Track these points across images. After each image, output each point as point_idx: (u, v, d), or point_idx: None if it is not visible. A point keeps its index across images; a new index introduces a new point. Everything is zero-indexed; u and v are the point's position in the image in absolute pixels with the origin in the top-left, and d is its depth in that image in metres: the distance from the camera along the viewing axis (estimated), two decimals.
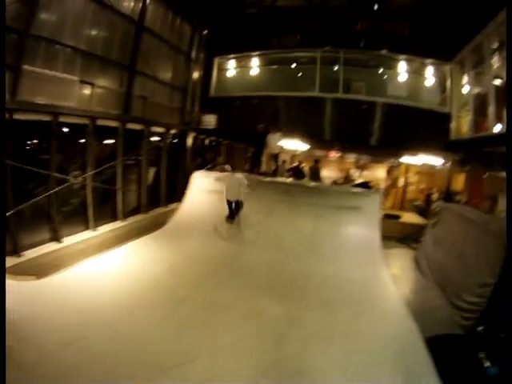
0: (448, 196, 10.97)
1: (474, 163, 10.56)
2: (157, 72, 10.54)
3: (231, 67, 13.96)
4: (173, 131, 11.91)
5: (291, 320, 5.09)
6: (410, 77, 12.26)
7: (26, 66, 6.28)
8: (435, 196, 13.80)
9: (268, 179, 10.01)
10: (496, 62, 9.28)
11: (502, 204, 9.59)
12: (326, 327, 4.97)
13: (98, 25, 8.15)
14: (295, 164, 13.29)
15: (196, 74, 12.97)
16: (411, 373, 4.12)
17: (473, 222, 6.78)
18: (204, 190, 9.77)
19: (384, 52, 11.93)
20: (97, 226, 8.35)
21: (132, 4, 9.14)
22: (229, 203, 8.81)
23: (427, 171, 15.50)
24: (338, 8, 11.58)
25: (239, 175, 9.04)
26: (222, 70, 13.93)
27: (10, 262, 5.81)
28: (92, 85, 8.08)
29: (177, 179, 12.05)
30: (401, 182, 16.27)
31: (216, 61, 13.78)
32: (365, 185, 10.81)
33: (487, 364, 4.12)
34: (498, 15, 7.91)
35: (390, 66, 12.36)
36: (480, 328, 4.90)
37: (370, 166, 18.77)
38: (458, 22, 9.80)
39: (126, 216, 9.47)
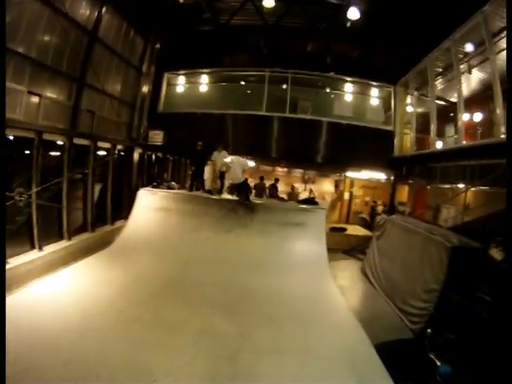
0: (392, 207, 11.58)
1: (417, 177, 11.29)
2: (106, 85, 10.14)
3: (181, 83, 13.97)
4: (119, 147, 11.49)
5: (243, 336, 5.03)
6: (356, 97, 13.14)
7: None
8: (380, 208, 14.54)
9: (214, 197, 10.06)
10: (439, 84, 10.16)
11: (445, 213, 10.36)
12: (277, 343, 4.94)
13: (49, 33, 7.69)
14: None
15: (145, 89, 12.74)
16: (366, 380, 4.16)
17: (415, 233, 7.16)
18: (150, 207, 9.67)
19: (331, 74, 12.65)
20: (43, 246, 7.80)
21: (87, 13, 8.79)
22: (234, 187, 10.04)
23: (371, 185, 16.37)
24: (290, 29, 11.97)
25: (240, 158, 10.00)
26: (172, 85, 13.88)
27: None
28: (40, 96, 7.57)
29: (123, 196, 11.63)
30: (346, 195, 16.94)
31: (166, 76, 13.66)
32: (311, 200, 10.99)
33: (439, 363, 4.23)
34: (443, 43, 8.69)
35: (337, 86, 13.17)
36: (429, 331, 5.06)
37: (317, 179, 19.46)
38: (403, 47, 10.62)
39: (72, 235, 8.94)
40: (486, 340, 4.22)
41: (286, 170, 18.80)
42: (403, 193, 14.37)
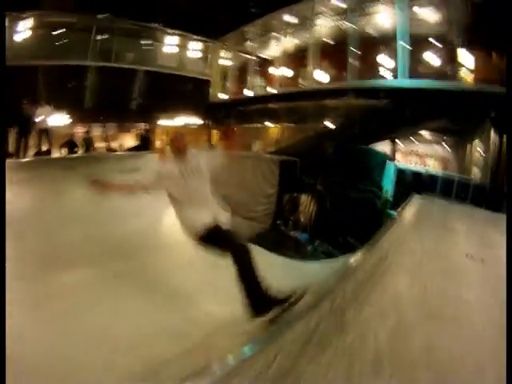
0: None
1: (230, 120, 13.47)
2: None
3: None
4: None
5: None
6: (178, 50, 13.95)
7: None
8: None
9: (48, 158, 9.01)
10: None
11: (254, 146, 12.95)
12: None
13: None
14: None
15: None
16: None
17: (247, 157, 9.21)
18: None
19: (156, 25, 12.90)
20: None
21: None
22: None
23: (182, 131, 17.61)
24: None
25: None
26: None
27: None
28: None
29: None
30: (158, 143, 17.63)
31: None
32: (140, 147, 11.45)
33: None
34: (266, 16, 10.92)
35: (161, 38, 13.56)
36: (278, 222, 7.36)
37: (118, 136, 19.04)
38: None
39: None
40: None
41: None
42: (213, 136, 16.56)
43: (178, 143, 3.19)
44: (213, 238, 2.91)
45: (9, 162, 8.29)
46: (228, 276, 2.79)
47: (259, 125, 13.27)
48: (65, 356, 2.71)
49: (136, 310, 3.53)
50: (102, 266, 4.86)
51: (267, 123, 12.98)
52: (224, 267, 2.87)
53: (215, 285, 3.80)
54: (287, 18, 11.16)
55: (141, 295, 3.90)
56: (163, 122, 15.72)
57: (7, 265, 3.06)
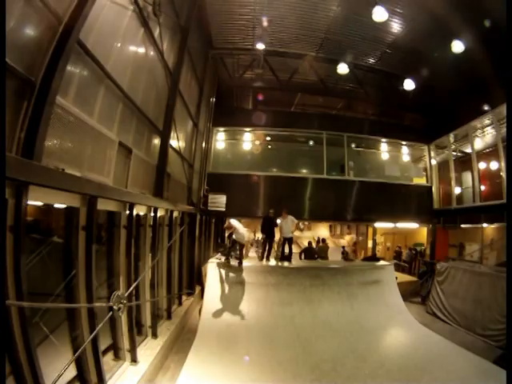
0: (433, 252, 13.40)
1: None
2: (177, 143, 8.94)
3: (227, 140, 14.24)
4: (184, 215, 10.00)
5: None
6: (393, 156, 15.05)
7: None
8: (404, 252, 16.26)
9: (301, 265, 10.89)
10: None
11: (468, 249, 12.59)
12: None
13: (139, 73, 6.31)
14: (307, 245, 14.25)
15: (202, 147, 12.22)
16: None
17: (483, 273, 9.05)
18: (224, 281, 9.39)
19: (376, 137, 14.57)
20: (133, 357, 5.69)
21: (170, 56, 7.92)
22: (283, 242, 10.69)
23: (391, 231, 18.04)
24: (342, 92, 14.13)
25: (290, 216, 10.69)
26: (217, 142, 14.01)
27: None
28: (130, 151, 5.96)
29: (189, 269, 10.54)
30: (369, 242, 18.30)
31: (214, 132, 13.65)
32: (374, 257, 12.58)
33: None
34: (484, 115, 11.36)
35: (377, 147, 14.96)
36: None
37: (312, 225, 20.92)
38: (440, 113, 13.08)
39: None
40: None
41: None
42: (420, 235, 16.36)
43: None
44: None
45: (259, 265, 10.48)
46: None
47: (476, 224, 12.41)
48: None
49: None
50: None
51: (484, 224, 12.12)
52: None
53: None
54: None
55: None
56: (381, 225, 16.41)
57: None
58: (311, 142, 14.20)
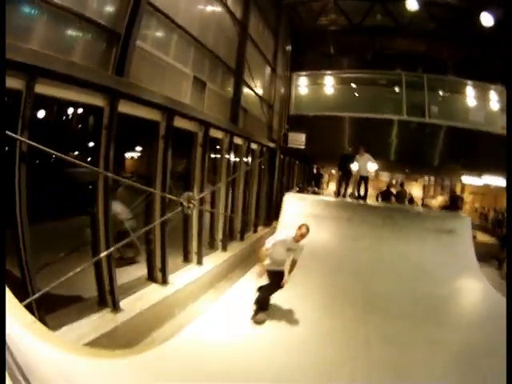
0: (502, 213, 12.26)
1: None
2: (253, 83, 10.12)
3: (306, 84, 14.75)
4: (263, 149, 11.74)
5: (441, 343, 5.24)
6: (486, 103, 13.56)
7: (138, 42, 4.86)
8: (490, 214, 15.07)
9: (375, 204, 10.98)
10: None
11: None
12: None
13: (208, 17, 7.29)
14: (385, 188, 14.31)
15: (282, 90, 13.30)
16: None
17: None
18: (299, 213, 9.32)
19: (453, 77, 13.35)
20: (199, 259, 7.01)
21: (238, 8, 8.63)
22: (359, 180, 10.80)
23: (480, 191, 16.66)
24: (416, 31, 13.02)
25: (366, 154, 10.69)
26: (298, 87, 14.70)
27: (108, 323, 4.21)
28: (204, 84, 7.09)
29: (266, 201, 12.00)
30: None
31: (294, 77, 14.47)
32: (453, 206, 12.12)
33: None
34: None
35: (458, 90, 13.74)
36: None
37: (405, 184, 20.14)
38: None
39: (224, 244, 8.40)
40: None
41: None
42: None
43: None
44: None
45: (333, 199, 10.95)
46: None
47: None
48: None
49: None
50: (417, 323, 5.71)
51: None
52: None
53: None
54: None
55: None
56: (468, 180, 15.56)
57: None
58: (393, 86, 13.74)
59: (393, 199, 12.89)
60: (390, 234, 9.24)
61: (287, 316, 5.60)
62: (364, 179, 11.09)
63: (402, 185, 14.16)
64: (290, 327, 5.32)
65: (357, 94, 14.31)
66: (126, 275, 5.33)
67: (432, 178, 22.51)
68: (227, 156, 8.50)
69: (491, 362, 4.31)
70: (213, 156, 8.27)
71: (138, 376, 3.43)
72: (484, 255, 10.62)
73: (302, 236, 5.33)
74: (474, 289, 8.33)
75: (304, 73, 14.57)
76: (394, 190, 14.01)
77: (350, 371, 4.23)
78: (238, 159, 9.48)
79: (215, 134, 7.68)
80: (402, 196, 13.44)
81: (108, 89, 4.32)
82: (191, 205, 5.66)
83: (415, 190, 23.10)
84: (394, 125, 13.01)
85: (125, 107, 4.72)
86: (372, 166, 11.07)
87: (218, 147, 8.36)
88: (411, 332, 5.45)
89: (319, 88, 14.61)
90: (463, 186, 16.72)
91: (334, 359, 4.45)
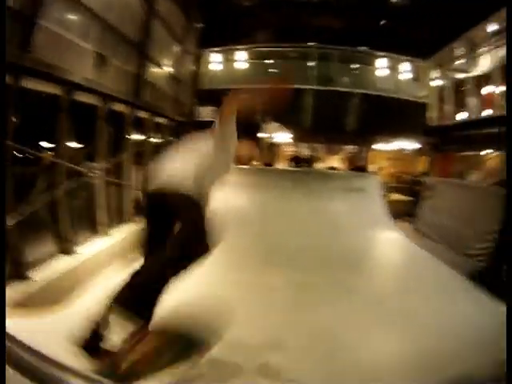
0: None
1: (445, 146, 13.00)
2: (161, 59, 10.49)
3: (218, 60, 15.07)
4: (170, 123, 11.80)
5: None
6: (389, 72, 14.68)
7: (42, 22, 5.06)
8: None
9: (282, 168, 11.31)
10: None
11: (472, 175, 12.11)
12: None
13: None
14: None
15: (189, 66, 13.51)
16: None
17: (473, 188, 9.05)
18: None
19: (364, 49, 14.18)
20: (108, 230, 7.04)
21: None
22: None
23: (394, 157, 17.82)
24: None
25: None
26: (210, 62, 15.01)
27: (14, 290, 4.14)
28: (106, 59, 7.16)
29: None
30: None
31: (204, 53, 14.71)
32: (361, 168, 12.67)
33: None
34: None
35: (370, 62, 14.65)
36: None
37: (325, 157, 20.87)
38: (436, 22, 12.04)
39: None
40: None
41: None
42: (421, 163, 16.07)
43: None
44: None
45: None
46: None
47: (479, 152, 12.16)
48: None
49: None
50: (323, 274, 5.83)
51: (488, 150, 11.77)
52: None
53: None
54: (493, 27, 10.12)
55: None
56: (378, 146, 16.43)
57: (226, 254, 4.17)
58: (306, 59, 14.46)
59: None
60: (301, 196, 9.55)
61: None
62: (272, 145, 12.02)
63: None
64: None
65: (270, 69, 14.81)
66: (35, 247, 5.24)
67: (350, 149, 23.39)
68: (132, 129, 8.67)
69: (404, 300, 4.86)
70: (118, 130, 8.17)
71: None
72: (399, 213, 11.39)
73: None
74: (387, 238, 9.09)
75: (216, 48, 14.83)
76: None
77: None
78: (143, 133, 9.66)
79: (119, 107, 7.86)
80: (312, 160, 14.25)
81: None
82: (94, 174, 6.10)
83: (336, 163, 23.82)
84: (306, 95, 13.62)
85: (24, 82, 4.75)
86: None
87: (122, 121, 8.37)
88: (328, 281, 5.55)
89: (231, 63, 15.12)
90: (378, 153, 17.48)
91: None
